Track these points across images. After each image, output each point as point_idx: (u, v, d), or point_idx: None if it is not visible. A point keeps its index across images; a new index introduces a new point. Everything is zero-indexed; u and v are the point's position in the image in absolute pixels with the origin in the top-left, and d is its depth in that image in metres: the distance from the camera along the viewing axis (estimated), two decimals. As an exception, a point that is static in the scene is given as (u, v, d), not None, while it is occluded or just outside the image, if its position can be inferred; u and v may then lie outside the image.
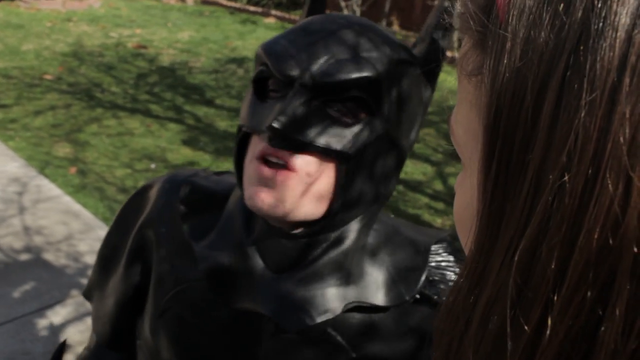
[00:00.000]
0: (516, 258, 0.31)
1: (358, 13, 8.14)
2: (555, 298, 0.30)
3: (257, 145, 0.70)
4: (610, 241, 0.28)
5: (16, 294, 2.80)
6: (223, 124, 4.89)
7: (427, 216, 3.61)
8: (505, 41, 0.32)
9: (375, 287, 0.76)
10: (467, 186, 0.39)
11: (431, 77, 0.77)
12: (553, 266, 0.30)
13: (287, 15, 8.56)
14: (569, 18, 0.30)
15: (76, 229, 3.33)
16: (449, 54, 6.82)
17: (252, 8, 8.94)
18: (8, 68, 5.90)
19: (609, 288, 0.29)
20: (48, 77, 5.73)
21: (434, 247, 0.81)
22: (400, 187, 3.95)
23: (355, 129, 0.69)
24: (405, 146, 0.76)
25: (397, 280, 0.77)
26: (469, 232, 0.37)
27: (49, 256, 3.10)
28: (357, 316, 0.76)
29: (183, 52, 6.79)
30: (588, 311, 0.29)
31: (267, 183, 0.68)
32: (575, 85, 0.29)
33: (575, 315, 0.30)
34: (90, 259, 3.09)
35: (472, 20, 0.35)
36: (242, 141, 0.75)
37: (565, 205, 0.29)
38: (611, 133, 0.28)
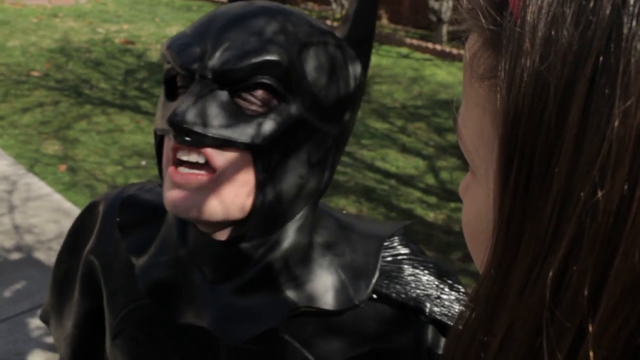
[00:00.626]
0: (548, 282, 0.28)
1: (347, 7, 8.10)
2: (589, 327, 0.27)
3: (167, 148, 0.67)
4: None
5: (7, 293, 2.78)
6: (213, 119, 4.87)
7: (419, 210, 3.62)
8: (522, 41, 0.29)
9: (323, 291, 0.72)
10: (478, 195, 0.36)
11: (361, 57, 0.73)
12: (586, 292, 0.27)
13: (275, 10, 8.53)
14: (595, 16, 0.27)
15: (67, 227, 3.30)
16: (437, 47, 6.83)
17: (240, 2, 8.89)
18: (-6, 65, 5.84)
19: None
20: (35, 73, 5.67)
21: (386, 242, 0.77)
22: (392, 182, 3.95)
23: (264, 117, 0.65)
24: (334, 131, 0.70)
25: (347, 283, 0.73)
26: (482, 245, 0.34)
27: (40, 255, 3.07)
28: (313, 321, 0.73)
29: (171, 47, 6.75)
30: (626, 341, 0.27)
31: (181, 185, 0.65)
32: (607, 91, 0.26)
33: (612, 345, 0.27)
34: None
35: (482, 17, 0.32)
36: (161, 145, 0.71)
37: (598, 225, 0.27)
38: None
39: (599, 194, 0.26)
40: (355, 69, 0.72)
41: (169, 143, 0.67)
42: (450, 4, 6.70)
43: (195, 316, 0.72)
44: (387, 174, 4.06)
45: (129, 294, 0.78)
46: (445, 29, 7.00)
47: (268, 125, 0.65)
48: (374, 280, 0.74)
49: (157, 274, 0.74)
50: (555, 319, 0.28)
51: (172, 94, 0.69)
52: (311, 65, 0.67)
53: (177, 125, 0.62)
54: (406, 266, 0.76)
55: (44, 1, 8.38)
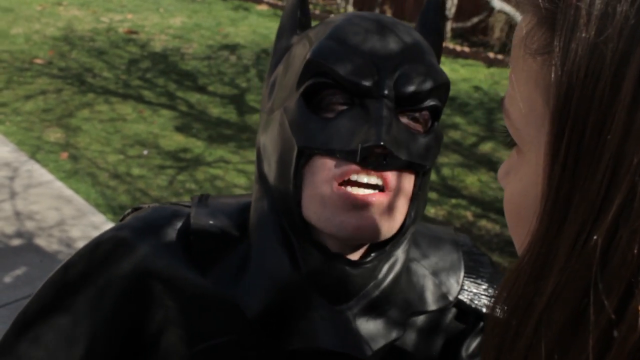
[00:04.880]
0: (599, 243, 0.29)
1: (351, 1, 8.09)
2: (638, 285, 0.28)
3: (331, 168, 0.63)
4: None
5: (8, 279, 2.78)
6: (216, 110, 4.87)
7: (420, 206, 3.62)
8: (578, 17, 0.31)
9: (422, 295, 0.74)
10: (524, 172, 0.37)
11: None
12: (635, 251, 0.28)
13: (279, 3, 8.50)
14: None
15: (68, 215, 3.31)
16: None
17: (244, -5, 8.87)
18: (-3, 51, 5.83)
19: None
20: (38, 61, 5.66)
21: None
22: (394, 177, 3.95)
23: (429, 138, 0.66)
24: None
25: (439, 283, 0.76)
26: (525, 221, 0.35)
27: (40, 241, 3.08)
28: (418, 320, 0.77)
29: (175, 38, 6.73)
30: None
31: (363, 207, 0.62)
32: None
33: None
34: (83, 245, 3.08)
35: None
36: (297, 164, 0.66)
37: None
38: None
39: None
40: None
41: (334, 164, 0.63)
42: (455, 0, 6.67)
43: (309, 340, 0.69)
44: (389, 169, 4.06)
45: (204, 328, 0.72)
46: (449, 25, 6.98)
47: (434, 147, 0.67)
48: (462, 275, 0.77)
49: (264, 302, 0.69)
50: (604, 278, 0.29)
51: (315, 109, 0.65)
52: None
53: (386, 149, 0.60)
54: (483, 268, 0.80)
55: (48, -11, 8.36)
